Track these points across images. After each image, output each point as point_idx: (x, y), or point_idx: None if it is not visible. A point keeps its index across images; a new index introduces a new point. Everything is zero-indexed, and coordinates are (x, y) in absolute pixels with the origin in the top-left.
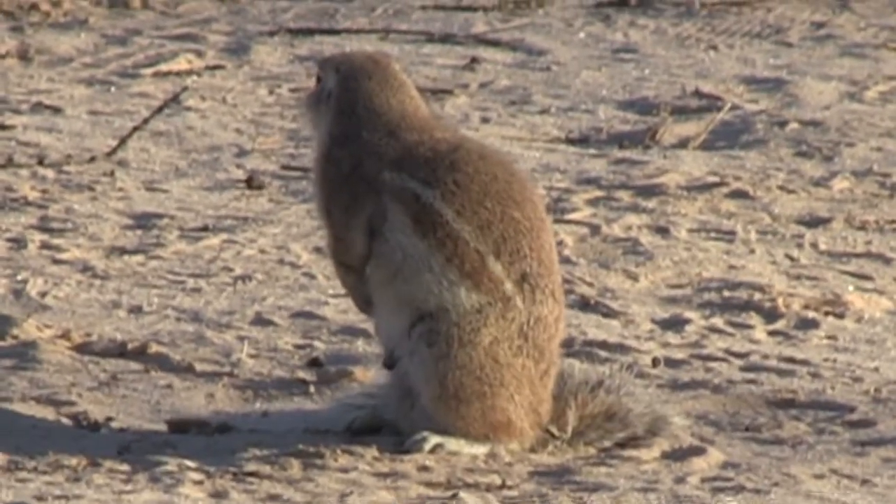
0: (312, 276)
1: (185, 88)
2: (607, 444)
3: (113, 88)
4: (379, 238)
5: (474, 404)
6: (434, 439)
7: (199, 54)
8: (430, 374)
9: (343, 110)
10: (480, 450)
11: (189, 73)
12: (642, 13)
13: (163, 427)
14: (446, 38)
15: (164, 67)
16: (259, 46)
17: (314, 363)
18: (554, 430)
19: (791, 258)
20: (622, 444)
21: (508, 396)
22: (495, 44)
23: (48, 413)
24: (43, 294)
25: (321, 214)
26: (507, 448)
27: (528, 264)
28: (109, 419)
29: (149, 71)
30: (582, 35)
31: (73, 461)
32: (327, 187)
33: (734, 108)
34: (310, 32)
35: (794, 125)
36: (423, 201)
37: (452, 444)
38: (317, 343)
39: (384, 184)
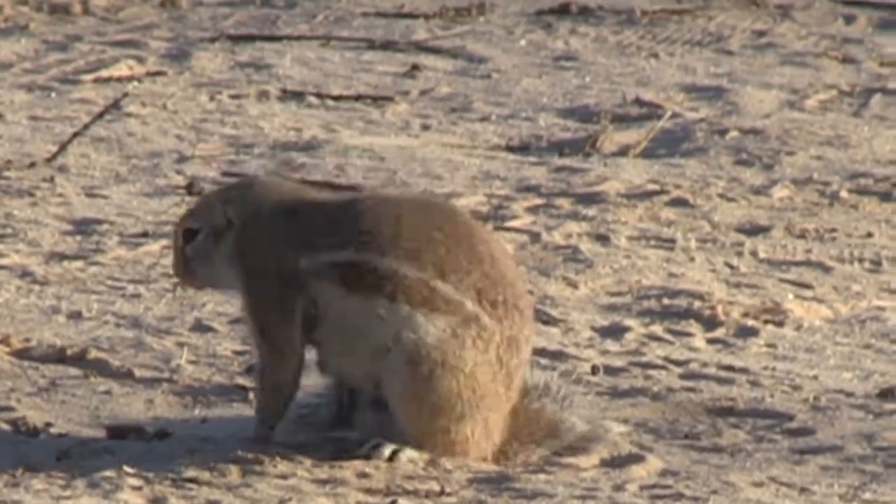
0: None
1: (125, 94)
2: (543, 453)
3: (53, 94)
4: (320, 324)
5: (447, 426)
6: (391, 446)
7: (140, 60)
8: (405, 396)
9: (247, 230)
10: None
11: (130, 79)
12: (583, 21)
13: (102, 433)
14: (387, 45)
15: (104, 73)
16: (200, 53)
17: (253, 369)
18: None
19: (731, 266)
20: (559, 453)
21: (477, 423)
22: (436, 51)
23: None
24: None
25: (255, 337)
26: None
27: (477, 278)
28: (48, 425)
29: (89, 77)
30: (523, 42)
31: (12, 467)
32: (257, 305)
33: (675, 116)
34: (251, 39)
35: (734, 133)
36: (342, 261)
37: (409, 451)
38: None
39: (304, 272)
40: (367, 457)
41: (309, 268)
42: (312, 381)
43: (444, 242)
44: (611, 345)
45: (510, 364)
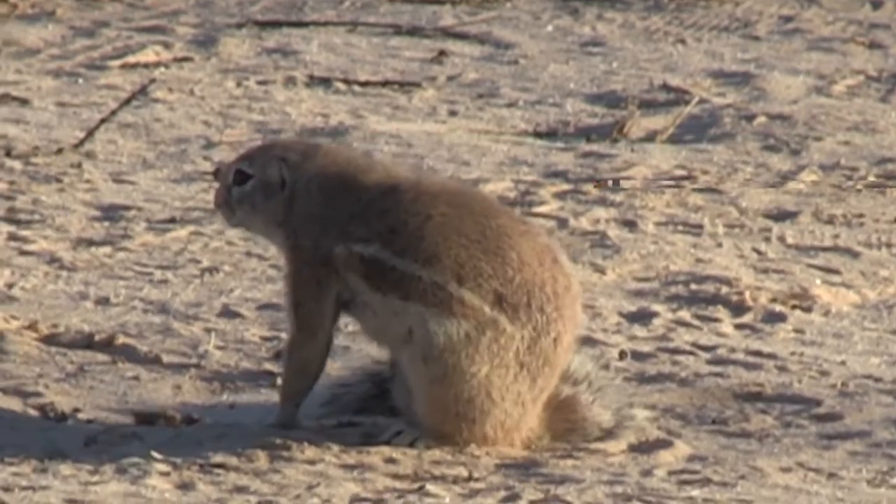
0: (279, 268)
1: (152, 80)
2: (571, 440)
3: (81, 80)
4: (353, 308)
5: (461, 426)
6: (411, 433)
7: (167, 46)
8: (421, 391)
9: (296, 200)
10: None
11: (157, 65)
12: (610, 6)
13: (130, 419)
14: (414, 31)
15: (131, 59)
16: (227, 39)
17: (281, 355)
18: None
19: (758, 252)
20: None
21: (496, 422)
22: (463, 37)
23: (15, 404)
24: (10, 286)
25: (288, 308)
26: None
27: (499, 283)
28: (76, 410)
29: (117, 63)
30: (550, 28)
31: (40, 452)
32: (295, 278)
33: (702, 101)
34: (278, 25)
35: (761, 119)
36: (367, 257)
37: (430, 439)
38: (284, 335)
39: (336, 258)
40: (387, 443)
41: (341, 256)
42: (339, 365)
43: (468, 247)
44: (638, 330)
45: (533, 366)
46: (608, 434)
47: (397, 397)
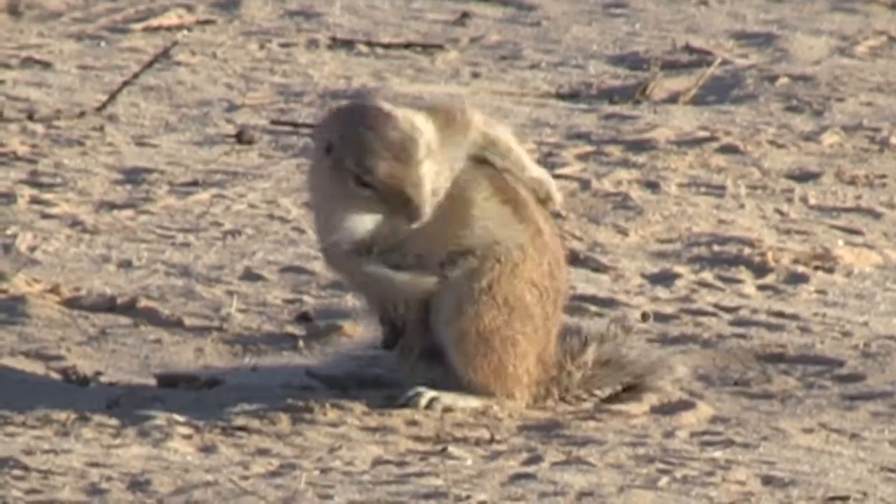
0: (302, 231)
1: (175, 43)
2: (609, 390)
3: (103, 43)
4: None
5: (494, 351)
6: (429, 394)
7: (190, 9)
8: (460, 312)
9: None
10: (474, 403)
11: (179, 27)
12: None
13: (152, 381)
14: None
15: (154, 22)
16: (249, 1)
17: (303, 318)
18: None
19: (781, 213)
20: (616, 396)
21: (524, 349)
22: None
23: (37, 367)
24: (32, 249)
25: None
26: (502, 403)
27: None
28: (98, 374)
29: (139, 26)
30: None
31: (62, 415)
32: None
33: (724, 63)
34: None
35: (784, 80)
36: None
37: (447, 398)
38: (306, 298)
39: None
40: (404, 405)
41: None
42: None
43: None
44: (661, 292)
45: (558, 282)
46: (647, 377)
47: (408, 375)
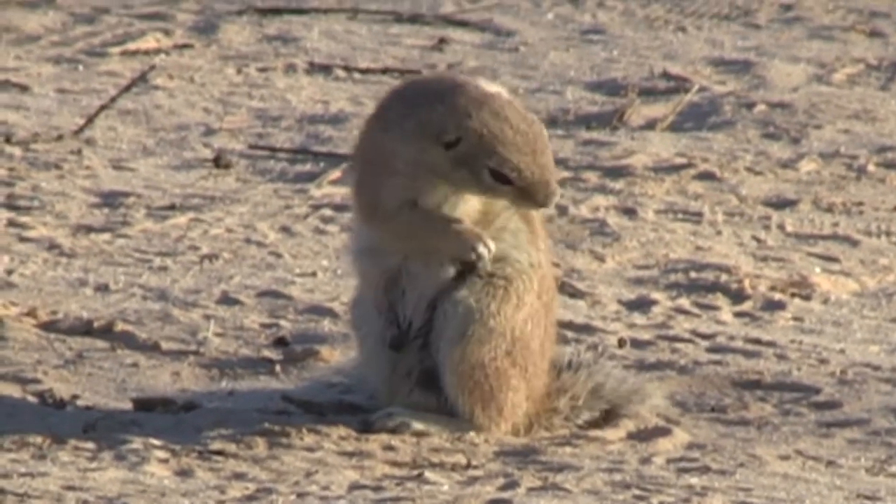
0: (279, 256)
1: (152, 67)
2: (587, 417)
3: (81, 67)
4: None
5: (488, 381)
6: (400, 417)
7: (168, 33)
8: (463, 335)
9: None
10: (444, 433)
11: (157, 51)
12: None
13: (128, 405)
14: (415, 19)
15: (131, 46)
16: (227, 25)
17: (280, 342)
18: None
19: (758, 240)
20: (593, 422)
21: (517, 383)
22: (463, 24)
23: (14, 391)
24: (9, 272)
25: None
26: (478, 431)
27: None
28: (75, 397)
29: (117, 50)
30: (550, 16)
31: (39, 439)
32: None
33: (702, 89)
34: (278, 12)
35: (761, 107)
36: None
37: (418, 424)
38: (283, 322)
39: None
40: (371, 424)
41: None
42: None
43: None
44: (638, 318)
45: (551, 309)
46: (625, 404)
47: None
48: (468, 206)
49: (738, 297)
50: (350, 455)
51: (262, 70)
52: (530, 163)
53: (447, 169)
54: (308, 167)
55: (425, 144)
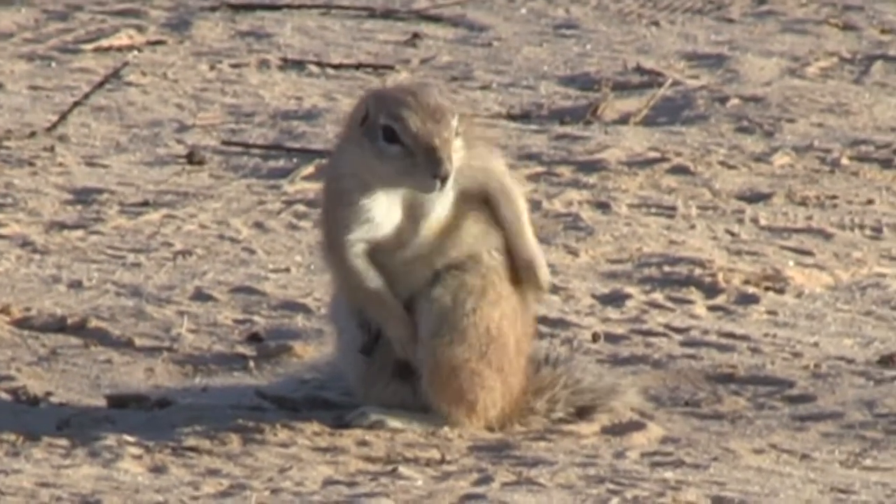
0: (252, 252)
1: (125, 64)
2: (561, 413)
3: (54, 64)
4: None
5: (464, 379)
6: (374, 416)
7: (141, 30)
8: (439, 334)
9: None
10: (419, 429)
11: (130, 48)
12: None
13: (102, 402)
14: (388, 14)
15: (104, 43)
16: (200, 22)
17: (254, 338)
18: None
19: (731, 233)
20: (568, 419)
21: (492, 383)
22: (437, 20)
23: None
24: None
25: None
26: (452, 426)
27: None
28: (49, 394)
29: (90, 46)
30: (523, 11)
31: (12, 436)
32: None
33: (675, 83)
34: (251, 8)
35: (735, 101)
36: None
37: (393, 422)
38: (256, 318)
39: None
40: (348, 423)
41: None
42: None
43: None
44: (611, 312)
45: (526, 311)
46: (602, 401)
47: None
48: (432, 221)
49: (711, 290)
50: (324, 451)
51: (236, 66)
52: (419, 124)
53: (365, 148)
54: (281, 163)
55: (353, 135)
